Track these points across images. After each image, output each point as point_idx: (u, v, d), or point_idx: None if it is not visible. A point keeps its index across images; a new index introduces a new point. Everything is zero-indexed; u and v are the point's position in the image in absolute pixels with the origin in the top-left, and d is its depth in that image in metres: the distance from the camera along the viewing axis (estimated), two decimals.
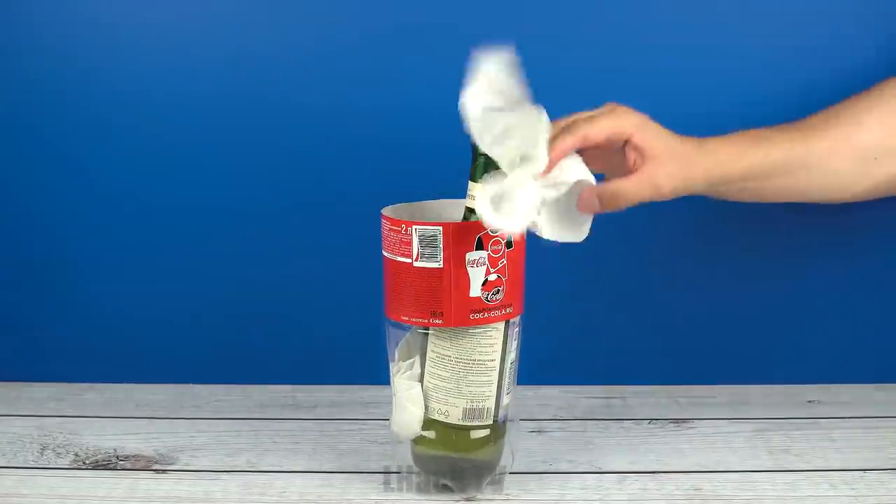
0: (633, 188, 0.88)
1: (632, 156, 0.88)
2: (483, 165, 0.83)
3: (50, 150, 1.12)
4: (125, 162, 1.12)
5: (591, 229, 0.88)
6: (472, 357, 0.85)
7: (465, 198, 0.86)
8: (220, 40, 1.10)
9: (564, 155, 0.84)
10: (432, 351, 0.86)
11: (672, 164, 0.89)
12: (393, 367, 0.89)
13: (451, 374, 0.86)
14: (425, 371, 0.87)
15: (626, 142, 0.88)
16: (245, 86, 1.10)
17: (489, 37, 1.08)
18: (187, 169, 1.12)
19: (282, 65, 1.10)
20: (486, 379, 0.86)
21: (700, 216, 1.12)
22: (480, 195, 0.81)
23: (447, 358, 0.86)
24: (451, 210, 0.88)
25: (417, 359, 0.87)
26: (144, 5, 1.10)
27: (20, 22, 1.10)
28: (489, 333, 0.85)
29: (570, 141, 0.85)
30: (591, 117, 0.87)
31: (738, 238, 1.13)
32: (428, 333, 0.86)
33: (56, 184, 1.12)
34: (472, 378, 0.86)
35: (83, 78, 1.10)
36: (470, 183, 0.84)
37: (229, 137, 1.11)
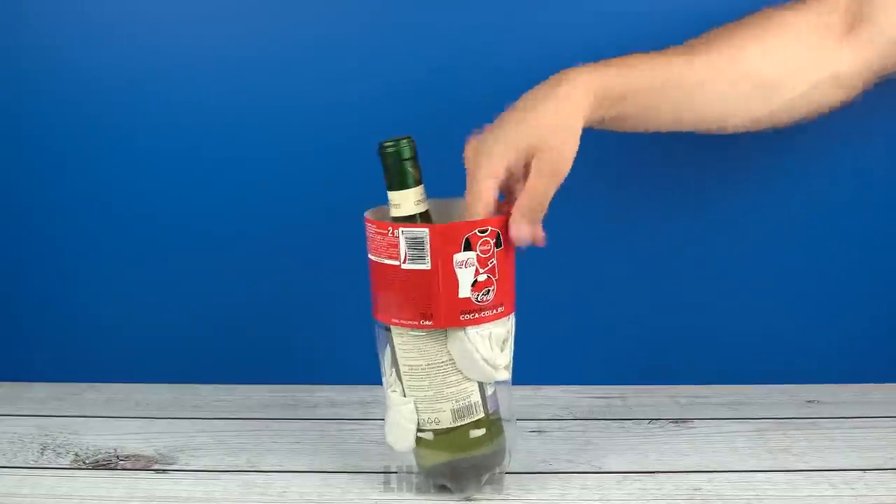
0: (540, 189, 0.85)
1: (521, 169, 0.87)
2: (399, 173, 0.84)
3: (48, 151, 1.12)
4: (124, 163, 1.12)
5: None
6: (442, 359, 0.85)
7: (460, 195, 0.87)
8: (214, 43, 1.10)
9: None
10: (404, 364, 0.86)
11: (556, 144, 0.86)
12: (384, 381, 0.89)
13: (429, 382, 0.85)
14: (404, 385, 0.87)
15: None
16: (239, 88, 1.10)
17: (478, 34, 1.09)
18: (186, 170, 1.12)
19: (273, 68, 1.10)
20: (463, 376, 0.86)
21: (700, 216, 1.12)
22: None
23: (418, 367, 0.85)
24: (440, 208, 0.88)
25: (394, 372, 0.87)
26: (143, 7, 1.10)
27: (16, 24, 1.10)
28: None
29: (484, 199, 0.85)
30: (476, 185, 0.85)
31: (740, 238, 1.13)
32: (395, 347, 0.86)
33: (56, 184, 1.12)
34: (450, 379, 0.85)
35: (78, 79, 1.10)
36: (389, 193, 0.85)
37: (225, 140, 1.11)
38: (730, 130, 0.99)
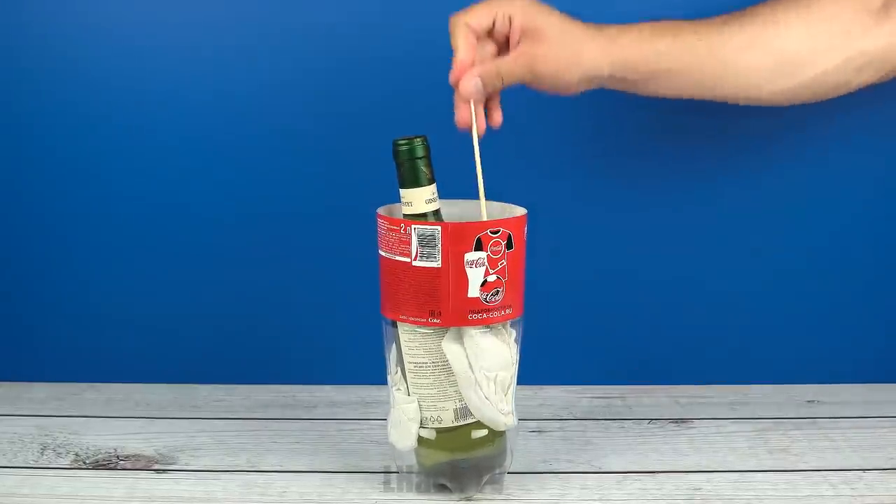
0: (507, 65, 0.87)
1: (515, 35, 0.88)
2: (412, 171, 0.84)
3: (49, 151, 1.12)
4: (124, 162, 1.12)
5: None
6: (447, 358, 0.85)
7: (462, 197, 0.88)
8: (214, 41, 1.10)
9: (466, 56, 0.86)
10: (409, 361, 0.86)
11: (555, 46, 0.88)
12: (389, 378, 0.89)
13: (433, 380, 0.85)
14: (408, 383, 0.87)
15: (511, 22, 0.88)
16: (239, 85, 1.10)
17: None
18: (186, 168, 1.12)
19: (276, 64, 1.10)
20: None
21: (700, 216, 1.12)
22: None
23: (424, 365, 0.85)
24: (448, 209, 0.88)
25: (399, 370, 0.87)
26: (143, 6, 1.10)
27: (16, 24, 1.10)
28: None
29: (459, 40, 0.86)
30: (470, 7, 0.87)
31: (740, 238, 1.13)
32: (401, 345, 0.86)
33: (56, 184, 1.12)
34: (453, 378, 0.85)
35: (79, 77, 1.10)
36: (402, 190, 0.85)
37: (226, 138, 1.11)
38: (750, 102, 0.99)
